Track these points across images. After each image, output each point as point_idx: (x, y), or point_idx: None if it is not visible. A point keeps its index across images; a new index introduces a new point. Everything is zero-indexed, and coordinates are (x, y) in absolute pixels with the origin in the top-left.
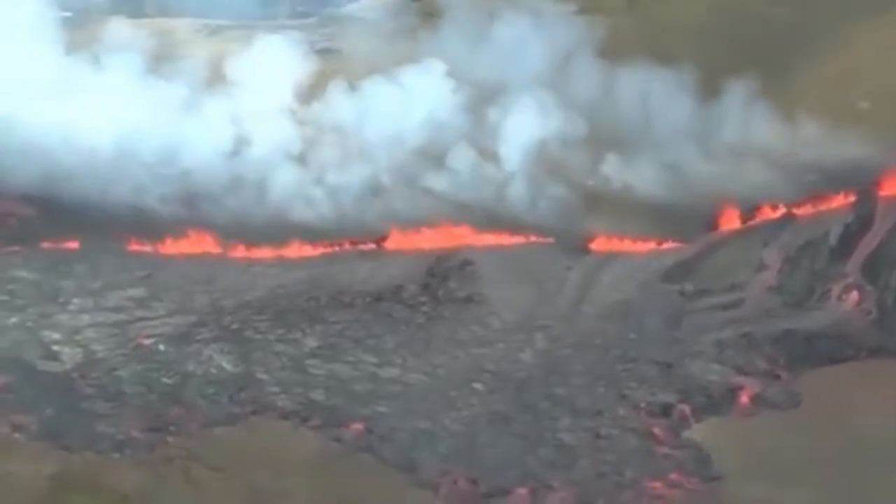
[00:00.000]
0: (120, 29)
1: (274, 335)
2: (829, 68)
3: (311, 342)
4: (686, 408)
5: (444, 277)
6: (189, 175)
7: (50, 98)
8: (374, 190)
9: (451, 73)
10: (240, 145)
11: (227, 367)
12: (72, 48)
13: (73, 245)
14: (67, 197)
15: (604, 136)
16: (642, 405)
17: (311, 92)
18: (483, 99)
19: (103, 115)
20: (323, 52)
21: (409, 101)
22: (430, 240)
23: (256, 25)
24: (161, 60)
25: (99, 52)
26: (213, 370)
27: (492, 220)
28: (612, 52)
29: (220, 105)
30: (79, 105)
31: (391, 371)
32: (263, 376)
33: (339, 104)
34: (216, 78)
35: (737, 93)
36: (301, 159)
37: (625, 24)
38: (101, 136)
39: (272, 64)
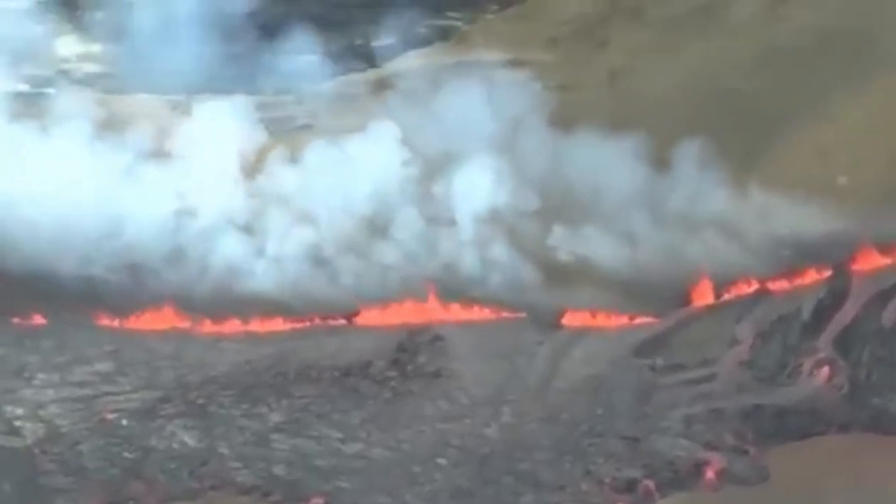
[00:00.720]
0: (71, 100)
1: (239, 410)
2: (808, 143)
3: (275, 417)
4: (651, 483)
5: (413, 353)
6: (135, 247)
7: None
8: (339, 264)
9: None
10: (186, 217)
11: (190, 442)
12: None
13: (40, 320)
14: (15, 268)
15: (573, 211)
16: (607, 480)
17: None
18: (435, 169)
19: (48, 185)
20: (303, 128)
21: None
22: (400, 315)
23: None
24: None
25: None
26: (176, 445)
27: (462, 295)
28: (590, 125)
29: (166, 176)
30: (23, 175)
31: (355, 446)
32: (225, 451)
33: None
34: (163, 149)
35: (712, 167)
36: (258, 231)
37: (604, 98)
38: (45, 207)
39: (219, 135)
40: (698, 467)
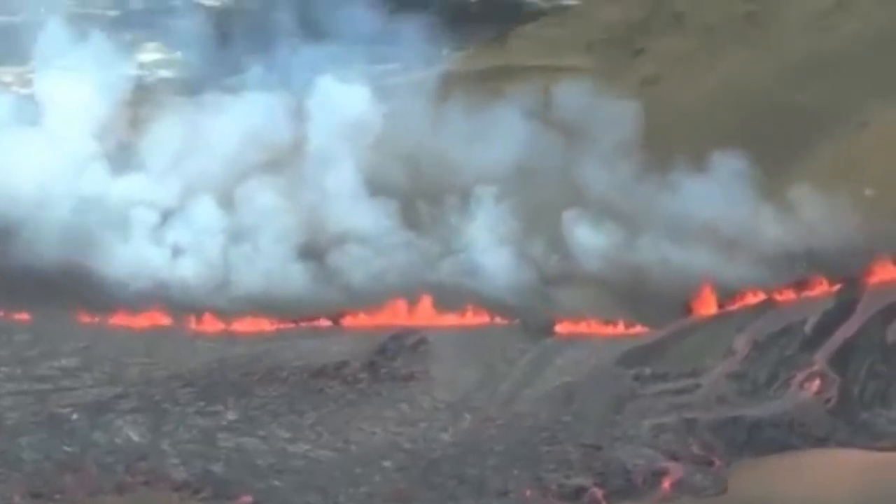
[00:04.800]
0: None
1: (194, 407)
2: (841, 153)
3: (229, 416)
4: (599, 491)
5: (392, 356)
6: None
7: None
8: (339, 265)
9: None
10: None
11: (134, 437)
12: None
13: (23, 315)
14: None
15: (595, 216)
16: (553, 487)
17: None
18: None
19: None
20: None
21: None
22: (389, 317)
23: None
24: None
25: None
26: (119, 440)
27: (457, 298)
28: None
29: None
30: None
31: (302, 446)
32: (168, 448)
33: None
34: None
35: (737, 176)
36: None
37: (635, 104)
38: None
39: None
40: (655, 477)
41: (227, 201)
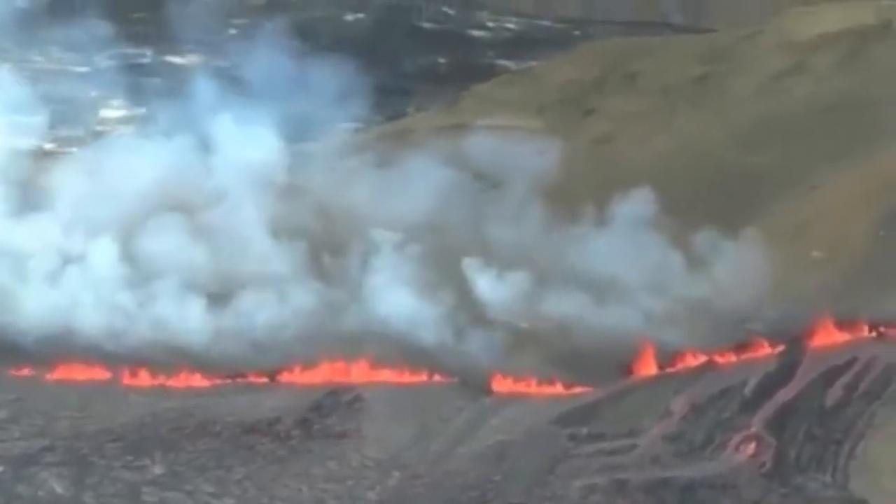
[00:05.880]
0: None
1: (121, 461)
2: (789, 215)
3: (156, 470)
4: None
5: (326, 413)
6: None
7: None
8: (268, 321)
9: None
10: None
11: (58, 489)
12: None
13: None
14: None
15: (525, 276)
16: None
17: None
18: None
19: None
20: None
21: None
22: (325, 375)
23: None
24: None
25: None
26: (42, 493)
27: (400, 356)
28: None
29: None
30: None
31: (226, 502)
32: (90, 500)
33: None
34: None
35: (681, 237)
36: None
37: (584, 165)
38: None
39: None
40: None
41: (128, 246)
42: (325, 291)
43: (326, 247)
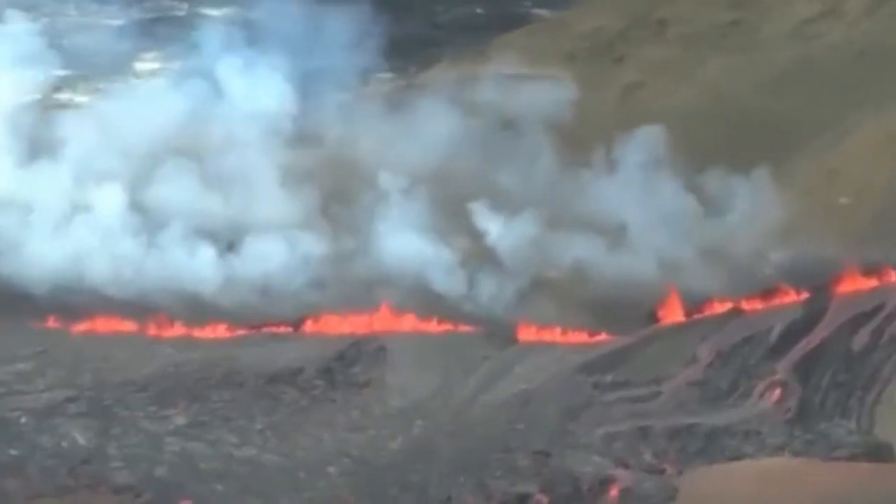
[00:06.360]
0: None
1: (144, 412)
2: (818, 162)
3: (179, 420)
4: (544, 498)
5: (350, 362)
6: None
7: None
8: (297, 271)
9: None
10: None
11: (81, 440)
12: None
13: None
14: None
15: (547, 223)
16: (497, 494)
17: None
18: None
19: None
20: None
21: None
22: (351, 324)
23: None
24: None
25: None
26: (65, 444)
27: (424, 306)
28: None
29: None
30: None
31: (248, 451)
32: (114, 451)
33: None
34: None
35: (714, 184)
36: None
37: (615, 114)
38: None
39: None
40: (602, 485)
41: (138, 194)
42: (335, 238)
43: (337, 194)
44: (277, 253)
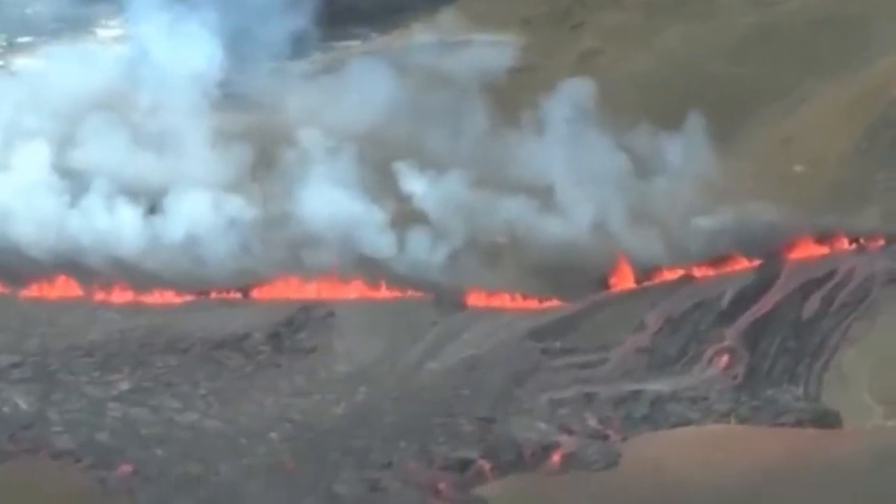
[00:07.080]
0: None
1: (88, 377)
2: (773, 129)
3: (123, 386)
4: (486, 464)
5: (297, 328)
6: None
7: None
8: (246, 237)
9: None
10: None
11: (23, 405)
12: None
13: None
14: None
15: (498, 189)
16: (439, 460)
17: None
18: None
19: None
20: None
21: None
22: (299, 291)
23: None
24: None
25: None
26: (6, 409)
27: (372, 272)
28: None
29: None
30: None
31: (190, 416)
32: (55, 416)
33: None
34: None
35: (663, 152)
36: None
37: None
38: None
39: None
40: (545, 450)
41: (63, 154)
42: (263, 201)
43: (265, 156)
44: (204, 215)
